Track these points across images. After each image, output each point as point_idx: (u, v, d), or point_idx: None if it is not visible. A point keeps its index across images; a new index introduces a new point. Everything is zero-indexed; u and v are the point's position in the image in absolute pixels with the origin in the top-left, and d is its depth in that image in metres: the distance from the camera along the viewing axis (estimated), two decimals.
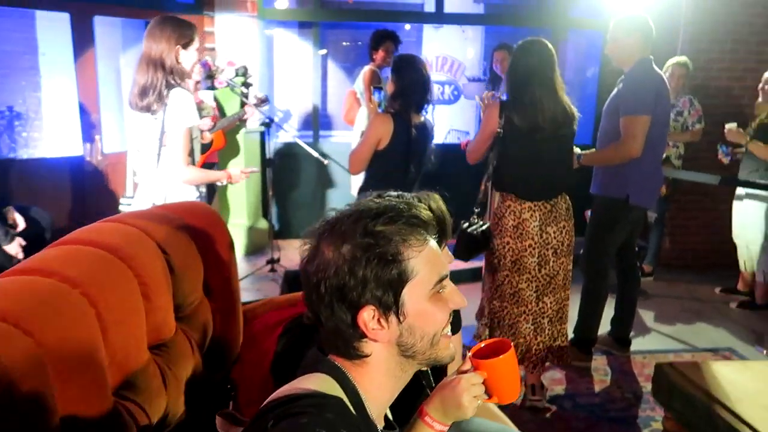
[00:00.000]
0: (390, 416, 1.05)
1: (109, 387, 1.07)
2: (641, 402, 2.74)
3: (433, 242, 0.91)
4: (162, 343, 1.35)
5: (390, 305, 0.86)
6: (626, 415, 2.63)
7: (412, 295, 0.87)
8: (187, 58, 2.26)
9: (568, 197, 2.62)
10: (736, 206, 3.99)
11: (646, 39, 2.84)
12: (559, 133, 2.50)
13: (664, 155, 4.13)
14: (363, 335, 0.87)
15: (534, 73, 2.44)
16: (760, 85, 3.84)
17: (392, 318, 0.87)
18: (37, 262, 1.10)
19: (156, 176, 2.29)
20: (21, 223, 2.72)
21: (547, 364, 2.69)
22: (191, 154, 2.31)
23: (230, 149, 4.40)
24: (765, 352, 3.31)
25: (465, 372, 1.02)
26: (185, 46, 2.25)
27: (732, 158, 3.90)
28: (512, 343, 1.06)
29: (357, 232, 0.85)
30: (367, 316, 0.86)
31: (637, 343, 3.34)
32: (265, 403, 0.85)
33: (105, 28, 4.38)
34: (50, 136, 4.91)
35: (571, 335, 3.11)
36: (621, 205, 2.90)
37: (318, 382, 0.87)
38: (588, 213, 3.11)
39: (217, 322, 1.70)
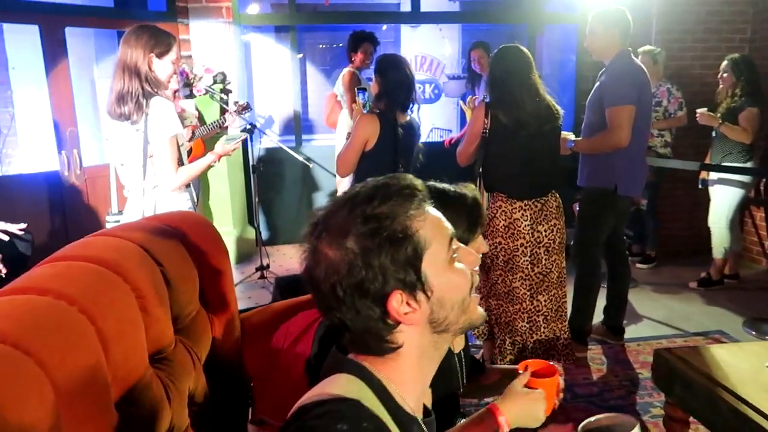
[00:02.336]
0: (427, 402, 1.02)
1: (112, 403, 1.03)
2: (639, 388, 2.76)
3: (431, 207, 0.86)
4: (162, 356, 1.32)
5: (414, 284, 0.81)
6: (625, 403, 2.65)
7: (431, 267, 0.83)
8: (162, 67, 2.21)
9: (557, 195, 2.66)
10: (711, 192, 4.07)
11: (624, 32, 2.87)
12: (544, 129, 2.53)
13: (647, 145, 4.20)
14: (396, 324, 0.83)
15: (512, 74, 2.51)
16: (719, 74, 3.99)
17: (420, 296, 0.82)
18: (31, 280, 1.06)
19: (144, 189, 2.23)
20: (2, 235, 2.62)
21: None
22: (180, 161, 2.26)
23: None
24: (754, 332, 3.36)
25: (531, 389, 1.19)
26: (160, 55, 2.20)
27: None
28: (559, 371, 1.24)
29: (356, 221, 0.80)
30: (396, 302, 0.81)
31: (631, 331, 3.36)
32: (293, 409, 0.81)
33: (77, 38, 4.30)
34: (26, 152, 4.80)
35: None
36: (609, 195, 2.93)
37: (340, 384, 0.83)
38: (576, 206, 3.13)
39: (215, 332, 1.67)
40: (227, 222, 4.59)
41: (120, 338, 1.11)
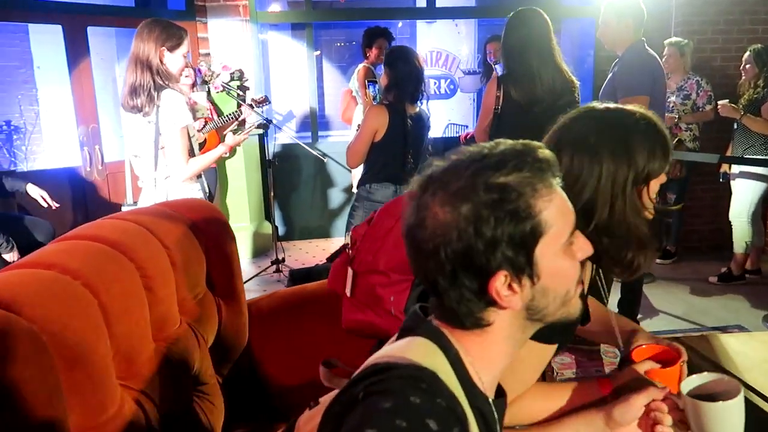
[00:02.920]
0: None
1: (114, 375, 1.07)
2: None
3: (559, 186, 0.78)
4: (168, 335, 1.35)
5: (523, 266, 0.75)
6: None
7: (545, 252, 0.76)
8: (173, 61, 2.26)
9: None
10: (732, 185, 4.00)
11: (637, 22, 2.84)
12: (559, 104, 2.37)
13: (677, 138, 4.16)
14: (492, 303, 0.77)
15: (529, 42, 2.37)
16: (741, 66, 3.93)
17: (525, 280, 0.76)
18: (36, 256, 1.11)
19: (156, 179, 2.29)
20: (38, 195, 2.73)
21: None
22: (191, 153, 2.31)
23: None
24: None
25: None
26: (171, 49, 2.25)
27: None
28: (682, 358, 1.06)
29: (478, 188, 0.73)
30: (499, 282, 0.74)
31: (645, 325, 3.33)
32: (361, 367, 0.77)
33: (99, 38, 4.40)
34: (50, 149, 4.94)
35: None
36: None
37: (417, 349, 0.78)
38: None
39: (222, 316, 1.71)
40: (244, 217, 4.66)
41: (123, 314, 1.15)
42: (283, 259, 4.25)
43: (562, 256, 0.78)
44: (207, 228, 1.70)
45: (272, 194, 4.26)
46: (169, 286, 1.38)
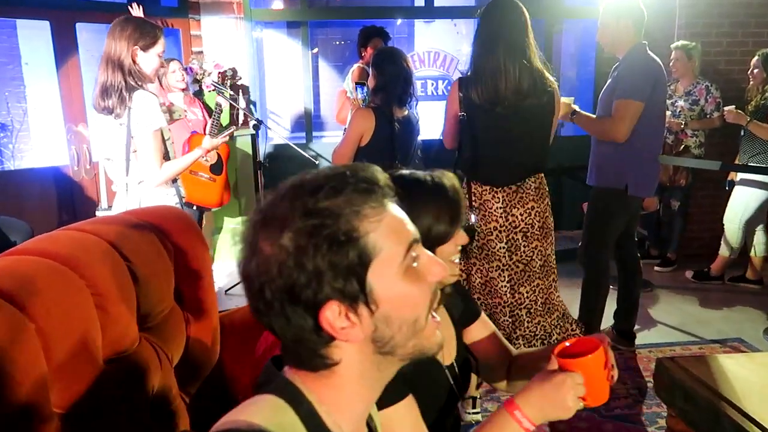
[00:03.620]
0: (375, 421, 0.90)
1: (50, 403, 0.98)
2: (647, 398, 2.64)
3: (392, 206, 0.74)
4: (121, 356, 1.26)
5: (356, 295, 0.69)
6: (632, 413, 2.53)
7: (380, 277, 0.70)
8: (146, 61, 2.16)
9: (540, 175, 2.38)
10: (734, 190, 3.91)
11: (637, 23, 2.74)
12: (525, 105, 2.22)
13: (683, 144, 4.06)
14: (331, 339, 0.71)
15: (498, 35, 2.19)
16: (749, 71, 3.86)
17: (362, 310, 0.70)
18: None
19: (128, 184, 2.20)
20: None
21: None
22: (165, 156, 2.22)
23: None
24: None
25: (553, 371, 0.96)
26: (145, 48, 2.15)
27: None
28: (604, 341, 0.99)
29: (295, 214, 0.68)
30: (331, 314, 0.69)
31: (642, 337, 3.23)
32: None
33: (90, 34, 4.31)
34: (37, 147, 4.86)
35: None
36: (619, 196, 2.81)
37: (263, 409, 0.72)
38: (585, 206, 3.01)
39: (191, 332, 1.62)
40: (236, 219, 4.58)
41: (65, 338, 1.06)
42: None
43: (402, 280, 0.72)
44: (177, 238, 1.61)
45: (262, 195, 4.16)
46: (125, 303, 1.29)
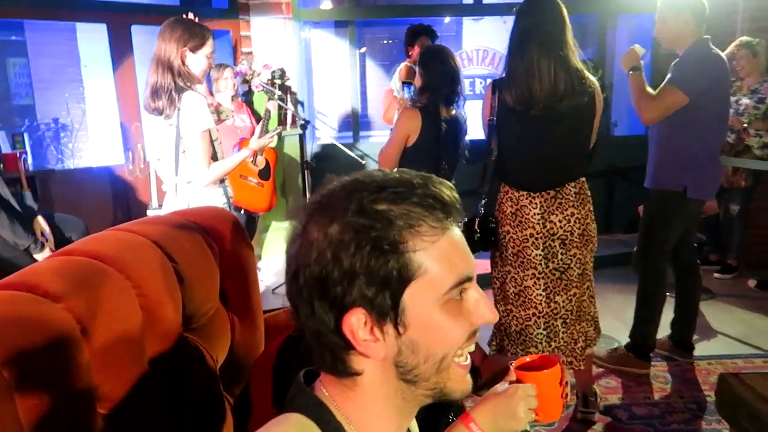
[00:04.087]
0: None
1: (95, 405, 0.99)
2: (705, 413, 2.51)
3: (455, 231, 0.70)
4: (166, 357, 1.27)
5: (386, 311, 0.66)
6: (688, 428, 2.40)
7: (417, 300, 0.66)
8: (195, 62, 2.18)
9: (581, 180, 2.25)
10: None
11: (698, 17, 2.60)
12: (562, 108, 2.09)
13: (743, 143, 3.86)
14: (350, 346, 0.68)
15: (533, 32, 2.07)
16: None
17: (389, 328, 0.67)
18: (20, 275, 1.03)
19: (177, 184, 2.23)
20: (47, 232, 2.74)
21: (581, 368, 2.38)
22: (213, 157, 2.24)
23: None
24: None
25: (511, 383, 0.95)
26: (194, 49, 2.17)
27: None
28: (560, 360, 0.99)
29: (350, 208, 0.66)
30: (356, 321, 0.66)
31: (701, 348, 3.07)
32: None
33: (144, 36, 4.43)
34: (95, 146, 5.03)
35: (627, 340, 2.91)
36: (677, 198, 2.67)
37: (287, 430, 0.70)
38: (641, 209, 2.88)
39: (235, 333, 1.62)
40: (282, 216, 4.61)
41: (111, 339, 1.06)
42: None
43: (441, 310, 0.67)
44: (222, 238, 1.62)
45: (309, 196, 4.18)
46: (171, 303, 1.30)
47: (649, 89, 2.62)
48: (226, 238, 1.63)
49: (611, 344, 3.04)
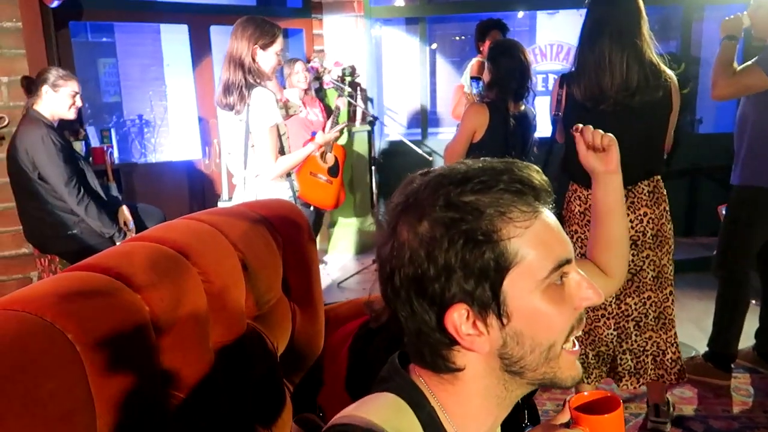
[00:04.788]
0: None
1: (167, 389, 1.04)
2: None
3: (548, 214, 0.68)
4: (230, 343, 1.31)
5: (487, 302, 0.65)
6: None
7: (517, 289, 0.65)
8: (265, 59, 2.25)
9: (656, 178, 2.14)
10: None
11: None
12: (635, 103, 1.99)
13: None
14: (454, 342, 0.67)
15: (605, 24, 1.97)
16: None
17: (492, 320, 0.66)
18: (96, 258, 1.09)
19: (245, 178, 2.31)
20: (130, 221, 2.91)
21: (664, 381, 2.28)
22: (281, 151, 2.30)
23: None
24: None
25: (564, 424, 0.86)
26: (264, 47, 2.24)
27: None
28: (620, 399, 0.89)
29: (437, 204, 0.65)
30: (458, 317, 0.65)
31: None
32: (325, 427, 0.70)
33: (222, 36, 4.62)
34: (174, 141, 5.30)
35: (705, 349, 2.74)
36: (765, 196, 2.49)
37: (382, 408, 0.69)
38: (722, 209, 2.71)
39: (296, 322, 1.66)
40: (349, 213, 4.68)
41: (176, 324, 1.10)
42: None
43: (542, 297, 0.66)
44: (286, 230, 1.66)
45: (376, 192, 4.22)
46: (235, 291, 1.34)
47: (735, 64, 2.45)
48: (290, 231, 1.67)
49: (689, 353, 2.88)
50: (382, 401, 0.71)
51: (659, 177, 2.15)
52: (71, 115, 2.79)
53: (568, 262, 0.68)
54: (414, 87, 5.24)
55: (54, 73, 2.71)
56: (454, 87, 4.64)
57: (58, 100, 2.70)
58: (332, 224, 4.73)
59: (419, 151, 4.13)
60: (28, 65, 3.14)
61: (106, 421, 0.88)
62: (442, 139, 5.44)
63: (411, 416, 0.69)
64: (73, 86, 2.73)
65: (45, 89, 2.67)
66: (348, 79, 4.40)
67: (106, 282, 1.02)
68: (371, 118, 3.97)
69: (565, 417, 0.86)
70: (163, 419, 1.03)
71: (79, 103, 2.80)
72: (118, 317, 0.97)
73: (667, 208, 2.15)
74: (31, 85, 2.74)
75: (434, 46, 5.35)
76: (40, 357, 0.80)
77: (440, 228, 0.64)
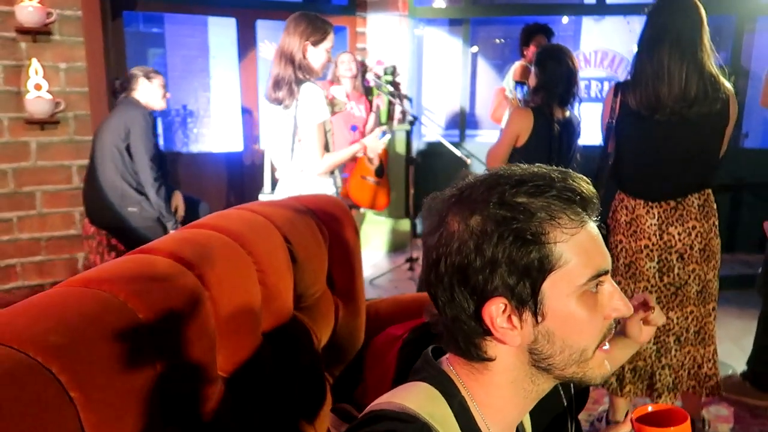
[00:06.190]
0: (525, 428, 0.87)
1: (215, 367, 1.07)
2: None
3: (593, 226, 0.72)
4: (277, 332, 1.35)
5: (526, 299, 0.69)
6: None
7: (555, 290, 0.69)
8: (315, 55, 2.28)
9: (707, 192, 2.11)
10: None
11: None
12: (691, 114, 1.96)
13: None
14: (487, 332, 0.71)
15: (665, 33, 1.94)
16: None
17: (527, 316, 0.70)
18: (157, 242, 1.14)
19: (291, 171, 2.35)
20: (182, 209, 3.00)
21: (702, 397, 2.24)
22: (326, 148, 2.33)
23: None
24: None
25: None
26: (315, 43, 2.27)
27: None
28: (687, 414, 0.89)
29: (491, 201, 0.69)
30: (495, 310, 0.69)
31: None
32: (365, 410, 0.75)
33: (267, 31, 4.69)
34: (216, 133, 5.40)
35: (744, 367, 2.69)
36: None
37: (416, 395, 0.74)
38: (767, 225, 2.65)
39: (339, 316, 1.69)
40: (383, 211, 4.70)
41: (233, 306, 1.14)
42: (418, 258, 4.21)
43: (577, 301, 0.70)
44: (332, 225, 1.69)
45: (412, 191, 4.23)
46: (285, 281, 1.38)
47: None
48: (336, 226, 1.70)
49: (726, 371, 2.82)
50: (416, 390, 0.75)
51: (710, 191, 2.11)
52: (163, 104, 3.03)
53: (606, 273, 0.72)
54: (454, 88, 5.24)
55: (144, 69, 2.97)
56: (495, 90, 4.62)
57: (152, 89, 2.95)
58: (362, 221, 4.77)
59: (457, 152, 4.13)
60: (85, 53, 3.24)
61: (164, 388, 0.92)
62: (480, 141, 5.43)
63: (443, 404, 0.73)
64: (161, 79, 2.99)
65: (141, 81, 2.91)
66: (389, 78, 4.42)
67: (170, 265, 1.06)
68: (411, 118, 3.99)
69: (626, 428, 0.89)
70: (213, 402, 1.06)
71: (168, 94, 3.04)
72: (181, 299, 1.00)
73: (716, 223, 2.12)
74: (124, 83, 2.97)
75: (475, 49, 5.32)
76: (115, 333, 0.84)
77: (492, 223, 0.68)
